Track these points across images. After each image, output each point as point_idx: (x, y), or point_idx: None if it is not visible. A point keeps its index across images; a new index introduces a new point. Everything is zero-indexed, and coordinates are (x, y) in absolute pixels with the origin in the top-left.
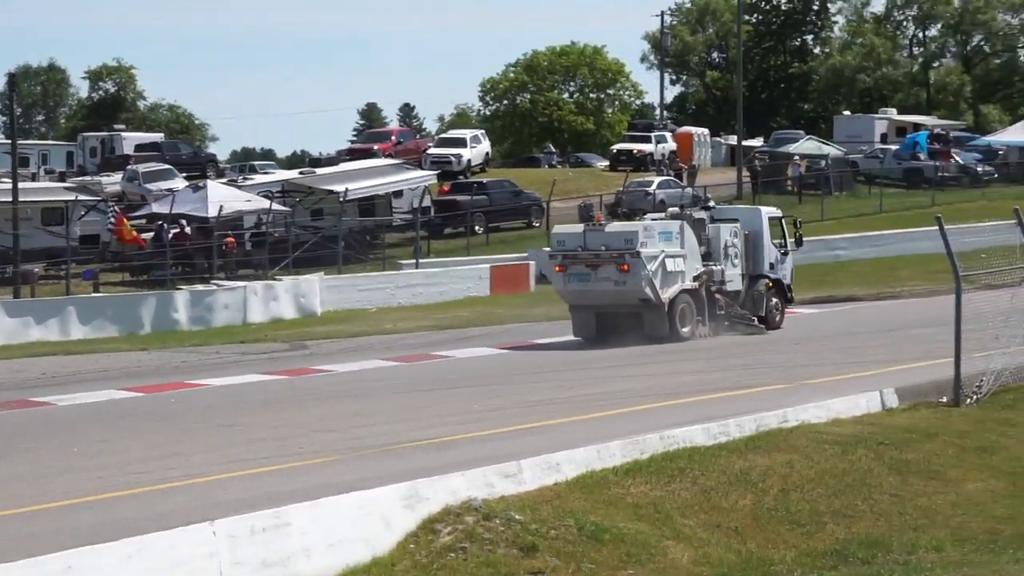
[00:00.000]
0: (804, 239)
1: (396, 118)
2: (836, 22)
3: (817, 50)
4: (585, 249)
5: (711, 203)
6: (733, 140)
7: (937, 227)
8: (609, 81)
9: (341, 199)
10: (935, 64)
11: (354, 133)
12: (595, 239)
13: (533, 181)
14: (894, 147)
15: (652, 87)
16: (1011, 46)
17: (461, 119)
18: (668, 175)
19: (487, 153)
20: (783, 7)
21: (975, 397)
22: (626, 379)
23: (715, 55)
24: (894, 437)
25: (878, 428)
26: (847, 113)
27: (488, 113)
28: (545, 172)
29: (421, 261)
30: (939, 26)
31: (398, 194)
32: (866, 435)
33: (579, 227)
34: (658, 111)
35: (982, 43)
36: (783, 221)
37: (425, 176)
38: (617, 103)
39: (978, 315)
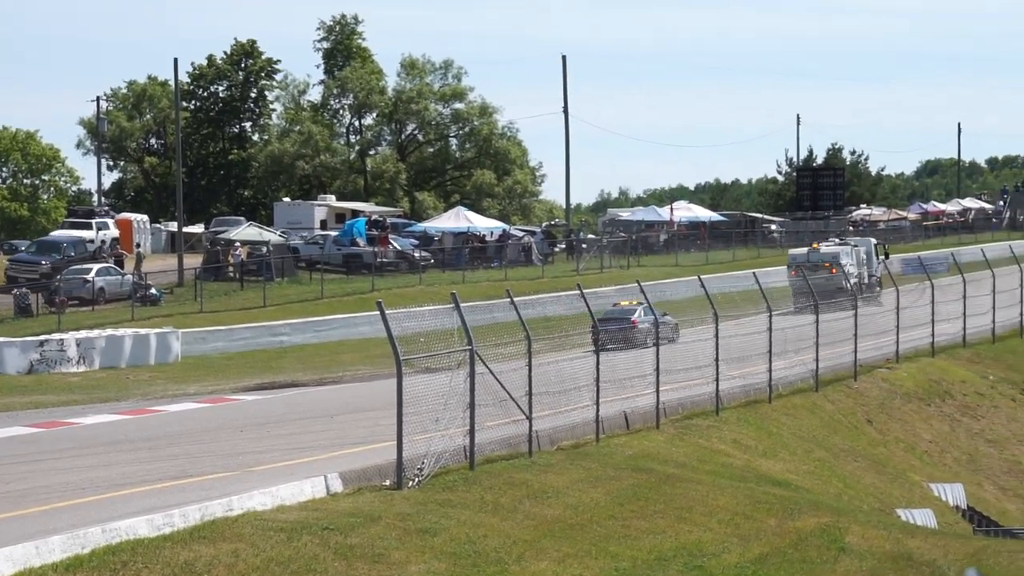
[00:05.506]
0: (885, 257)
1: None
2: (274, 109)
3: (256, 137)
4: (808, 261)
5: (848, 239)
6: (173, 226)
7: (379, 312)
8: (44, 167)
9: None
10: (371, 152)
11: None
12: (815, 256)
13: None
14: (334, 233)
15: (89, 173)
16: (443, 135)
17: None
18: (107, 262)
19: None
20: (221, 94)
21: (417, 480)
22: (66, 471)
23: (153, 141)
24: (339, 522)
25: (323, 513)
26: (287, 200)
27: None
28: None
29: None
30: (374, 115)
31: None
32: (311, 521)
33: (804, 250)
34: (96, 197)
35: (416, 132)
36: (875, 246)
37: None
38: (53, 189)
39: (419, 398)
